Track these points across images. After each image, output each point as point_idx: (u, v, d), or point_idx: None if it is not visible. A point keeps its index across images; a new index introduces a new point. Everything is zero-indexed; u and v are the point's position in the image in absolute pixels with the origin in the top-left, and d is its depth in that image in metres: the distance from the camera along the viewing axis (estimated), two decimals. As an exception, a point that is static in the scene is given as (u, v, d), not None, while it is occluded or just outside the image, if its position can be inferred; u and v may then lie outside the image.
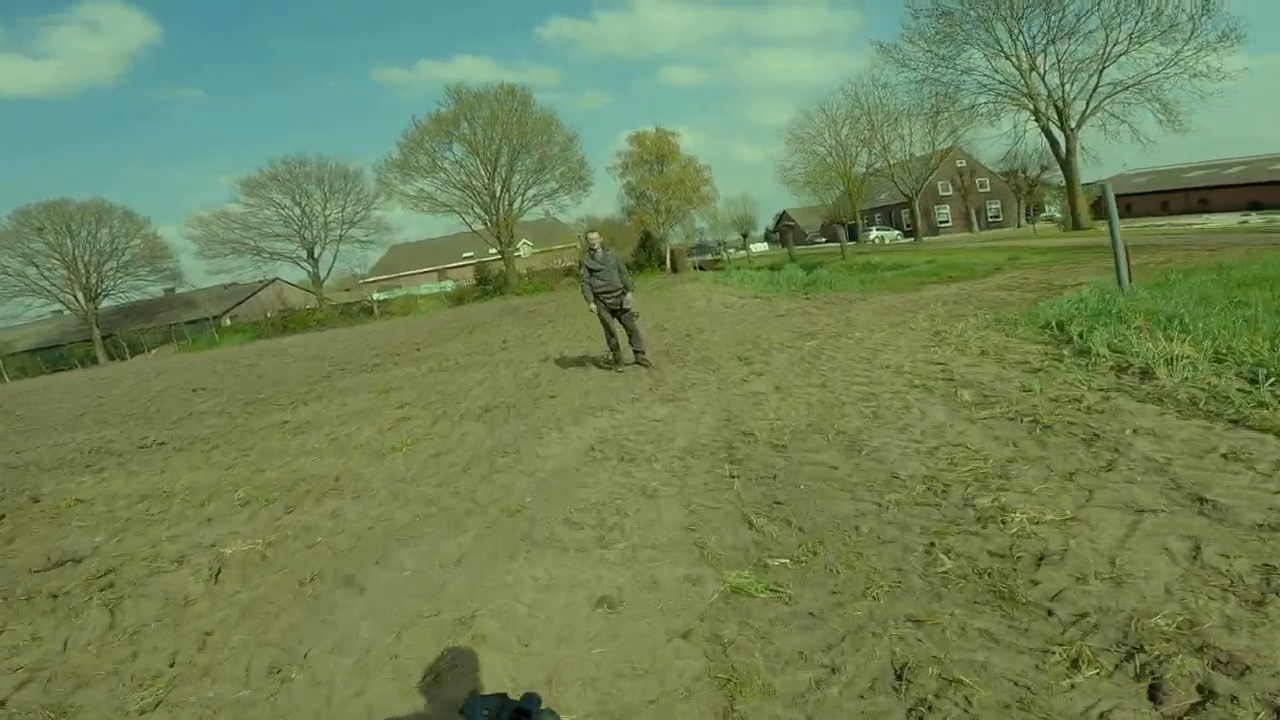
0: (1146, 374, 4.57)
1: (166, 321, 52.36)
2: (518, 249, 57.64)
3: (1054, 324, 6.39)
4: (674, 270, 43.98)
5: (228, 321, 52.68)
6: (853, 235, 47.32)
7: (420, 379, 10.73)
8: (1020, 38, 28.85)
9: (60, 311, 51.21)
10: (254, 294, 55.63)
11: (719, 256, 55.53)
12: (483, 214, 44.27)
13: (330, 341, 26.51)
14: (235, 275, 49.27)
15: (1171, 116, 26.69)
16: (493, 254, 46.67)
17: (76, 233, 46.44)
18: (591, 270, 8.17)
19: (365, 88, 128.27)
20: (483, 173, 43.81)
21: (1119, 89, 27.77)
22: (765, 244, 69.93)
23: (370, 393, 10.00)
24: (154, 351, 48.28)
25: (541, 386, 8.28)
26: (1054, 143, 29.76)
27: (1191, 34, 25.53)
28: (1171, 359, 4.52)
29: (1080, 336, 5.58)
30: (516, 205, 45.23)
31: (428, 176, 42.99)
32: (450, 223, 45.45)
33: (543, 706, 0.71)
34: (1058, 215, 42.21)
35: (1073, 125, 28.91)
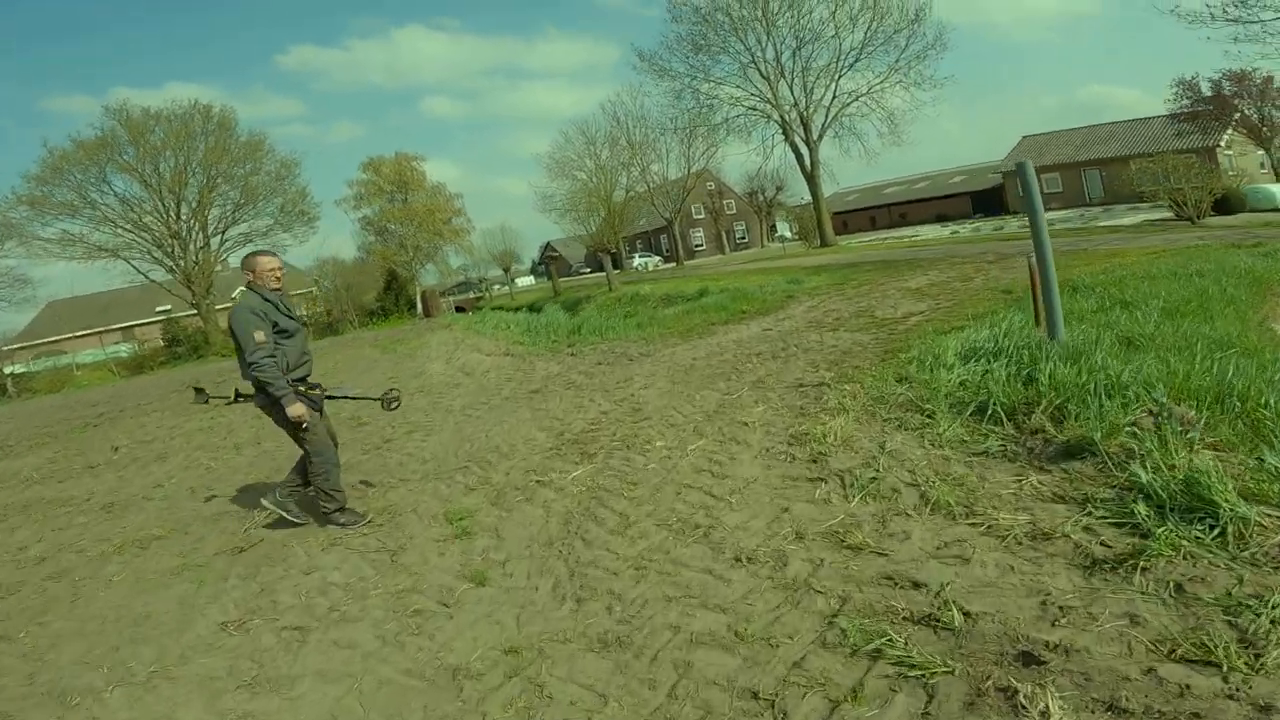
0: None
1: None
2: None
3: (997, 411, 3.59)
4: (427, 314, 38.55)
5: None
6: (617, 263, 46.25)
7: None
8: (770, 43, 29.64)
9: None
10: None
11: (481, 295, 51.10)
12: (165, 259, 34.64)
13: None
14: None
15: (894, 127, 29.03)
16: (171, 308, 36.98)
17: None
18: (280, 331, 3.92)
19: (31, 118, 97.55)
20: (163, 209, 34.33)
21: (852, 99, 29.68)
22: (531, 278, 67.06)
23: None
24: None
25: (49, 592, 3.63)
26: (800, 157, 30.91)
27: (907, 44, 28.01)
28: None
29: (1129, 467, 2.69)
30: (215, 247, 36.32)
31: (73, 216, 32.34)
32: (126, 270, 34.67)
33: None
34: (789, 235, 45.26)
35: (815, 138, 30.26)
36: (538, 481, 4.30)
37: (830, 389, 4.87)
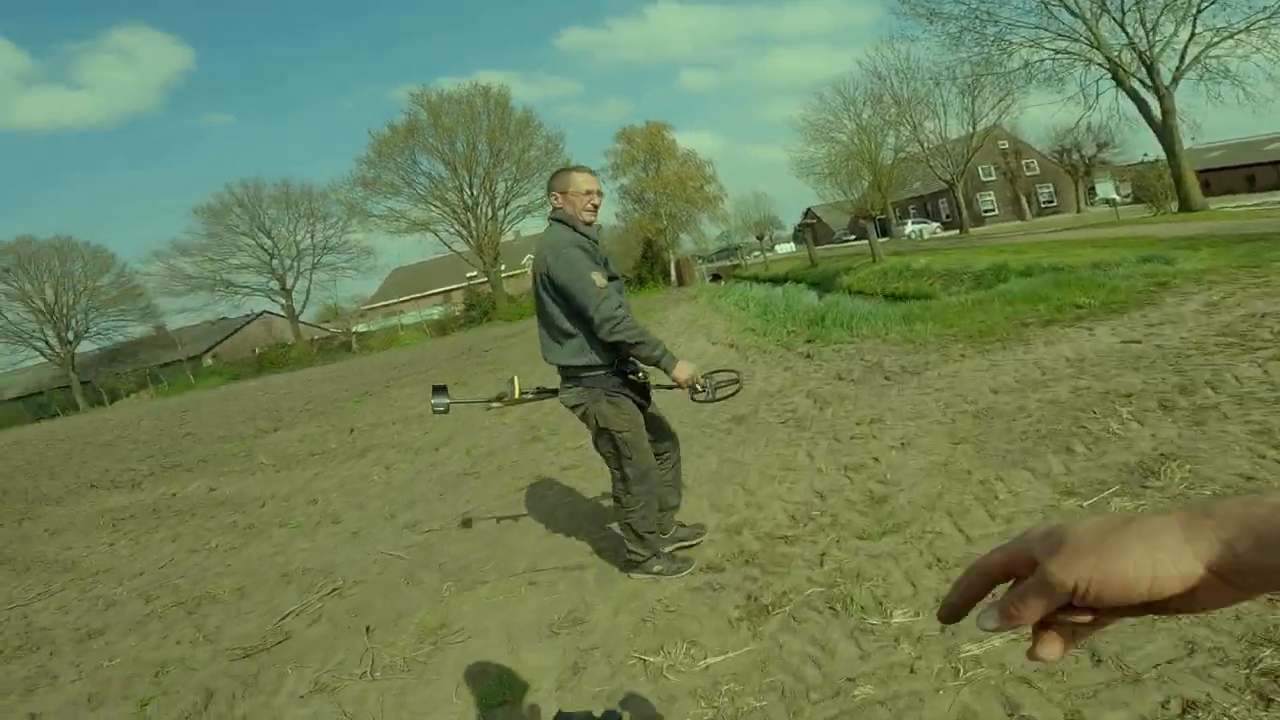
0: None
1: (146, 363, 48.25)
2: (525, 266, 53.03)
3: None
4: (680, 283, 38.25)
5: (209, 361, 48.54)
6: (885, 230, 40.88)
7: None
8: (1091, -33, 22.29)
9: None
10: (238, 330, 51.64)
11: (738, 264, 49.68)
12: (462, 230, 39.32)
13: (262, 394, 21.41)
14: (199, 314, 45.49)
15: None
16: (476, 275, 41.80)
17: (39, 272, 42.94)
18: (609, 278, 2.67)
19: (385, 106, 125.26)
20: (461, 183, 38.91)
21: (1222, 36, 20.99)
22: (793, 244, 63.88)
23: None
24: (132, 396, 44.36)
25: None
26: (1143, 106, 23.01)
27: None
28: None
29: None
30: (501, 219, 40.19)
31: (397, 194, 38.20)
32: (435, 241, 40.43)
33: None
34: (1116, 197, 35.66)
35: (1166, 83, 22.12)
36: (642, 659, 2.27)
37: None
